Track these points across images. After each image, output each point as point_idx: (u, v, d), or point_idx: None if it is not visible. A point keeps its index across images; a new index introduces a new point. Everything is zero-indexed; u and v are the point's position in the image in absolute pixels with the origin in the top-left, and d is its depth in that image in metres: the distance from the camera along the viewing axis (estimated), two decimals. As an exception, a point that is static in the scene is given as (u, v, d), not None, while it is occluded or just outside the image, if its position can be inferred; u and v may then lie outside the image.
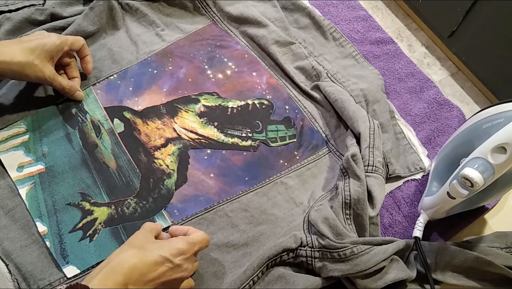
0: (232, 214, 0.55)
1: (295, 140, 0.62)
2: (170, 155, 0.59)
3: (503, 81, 1.43)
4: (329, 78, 0.67)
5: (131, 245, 0.44)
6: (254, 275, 0.49)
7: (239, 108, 0.64)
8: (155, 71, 0.66)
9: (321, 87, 0.65)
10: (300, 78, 0.68)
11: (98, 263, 0.50)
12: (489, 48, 1.42)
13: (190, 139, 0.60)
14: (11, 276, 0.48)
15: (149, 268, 0.42)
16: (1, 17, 0.65)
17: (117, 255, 0.43)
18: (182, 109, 0.63)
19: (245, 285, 0.49)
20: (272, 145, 0.62)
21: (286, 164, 0.60)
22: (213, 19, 0.74)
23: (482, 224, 0.59)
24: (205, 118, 0.63)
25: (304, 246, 0.51)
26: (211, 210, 0.55)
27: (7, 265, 0.49)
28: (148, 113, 0.62)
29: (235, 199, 0.56)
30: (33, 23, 0.66)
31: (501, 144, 0.44)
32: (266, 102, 0.65)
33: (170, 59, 0.68)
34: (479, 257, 0.49)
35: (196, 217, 0.55)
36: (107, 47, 0.67)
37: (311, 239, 0.51)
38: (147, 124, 0.61)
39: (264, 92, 0.66)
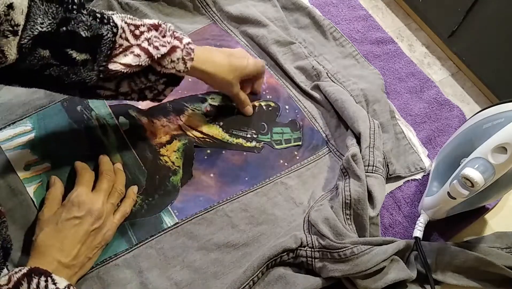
0: (232, 214, 0.55)
1: (300, 143, 0.62)
2: (175, 151, 0.59)
3: (503, 81, 1.43)
4: (329, 78, 0.67)
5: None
6: (254, 275, 0.49)
7: None
8: (155, 71, 0.66)
9: (321, 87, 0.65)
10: (300, 78, 0.68)
11: (104, 261, 0.50)
12: (489, 48, 1.42)
13: (194, 137, 0.60)
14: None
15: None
16: (1, 17, 0.65)
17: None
18: (189, 108, 0.63)
19: (245, 286, 0.48)
20: (277, 147, 0.61)
21: (286, 164, 0.60)
22: (213, 19, 0.73)
23: (483, 224, 0.59)
24: (211, 117, 0.63)
25: (304, 246, 0.51)
26: (211, 210, 0.55)
27: (6, 266, 0.48)
28: (153, 112, 0.62)
29: (235, 199, 0.56)
30: (32, 23, 0.66)
31: (502, 144, 0.44)
32: (272, 104, 0.65)
33: (170, 59, 0.67)
34: (480, 257, 0.49)
35: (196, 217, 0.54)
36: (107, 47, 0.67)
37: (311, 239, 0.51)
38: (153, 123, 0.61)
39: (264, 92, 0.66)
